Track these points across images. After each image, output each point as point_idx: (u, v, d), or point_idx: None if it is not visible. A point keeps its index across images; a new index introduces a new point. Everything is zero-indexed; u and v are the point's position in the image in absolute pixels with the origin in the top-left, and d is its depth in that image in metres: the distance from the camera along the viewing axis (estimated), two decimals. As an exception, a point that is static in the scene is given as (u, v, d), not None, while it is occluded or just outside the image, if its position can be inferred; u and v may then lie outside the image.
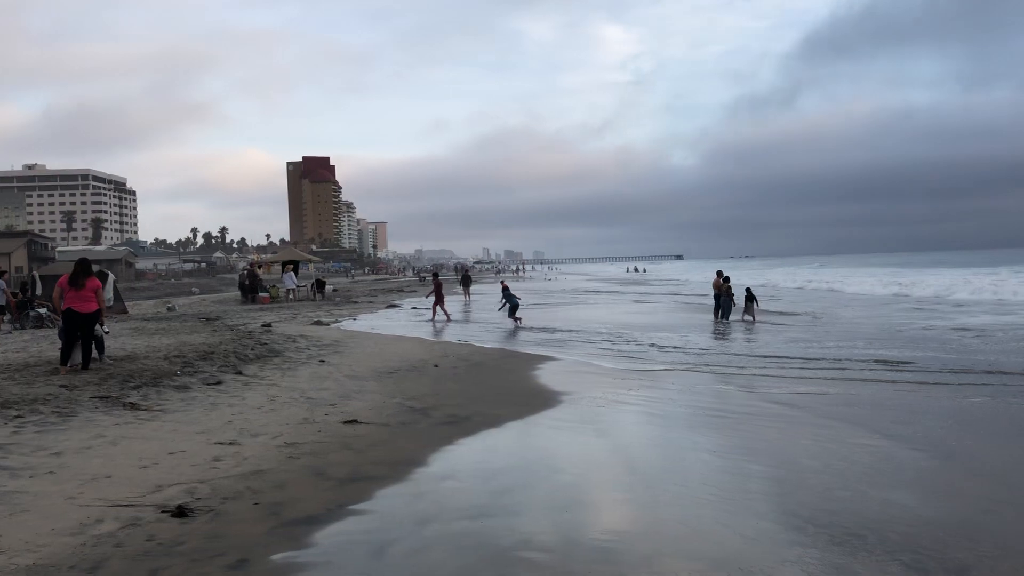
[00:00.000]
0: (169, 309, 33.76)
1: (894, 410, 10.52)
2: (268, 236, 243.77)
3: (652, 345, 18.99)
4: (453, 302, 40.91)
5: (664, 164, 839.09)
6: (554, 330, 23.68)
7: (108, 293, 32.03)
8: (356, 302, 39.52)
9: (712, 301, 29.26)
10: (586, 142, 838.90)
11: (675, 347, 18.49)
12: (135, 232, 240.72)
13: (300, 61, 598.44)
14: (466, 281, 45.37)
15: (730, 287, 28.25)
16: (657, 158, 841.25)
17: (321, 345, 17.79)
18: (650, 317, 30.22)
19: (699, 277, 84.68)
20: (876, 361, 15.26)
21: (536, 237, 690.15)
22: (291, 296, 39.80)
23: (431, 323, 26.81)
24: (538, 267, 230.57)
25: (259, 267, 43.99)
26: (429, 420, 9.92)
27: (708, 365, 15.38)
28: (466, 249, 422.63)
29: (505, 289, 27.33)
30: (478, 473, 7.60)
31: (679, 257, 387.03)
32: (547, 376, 14.02)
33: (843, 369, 14.46)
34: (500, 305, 26.74)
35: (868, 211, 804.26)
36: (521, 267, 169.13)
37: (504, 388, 12.77)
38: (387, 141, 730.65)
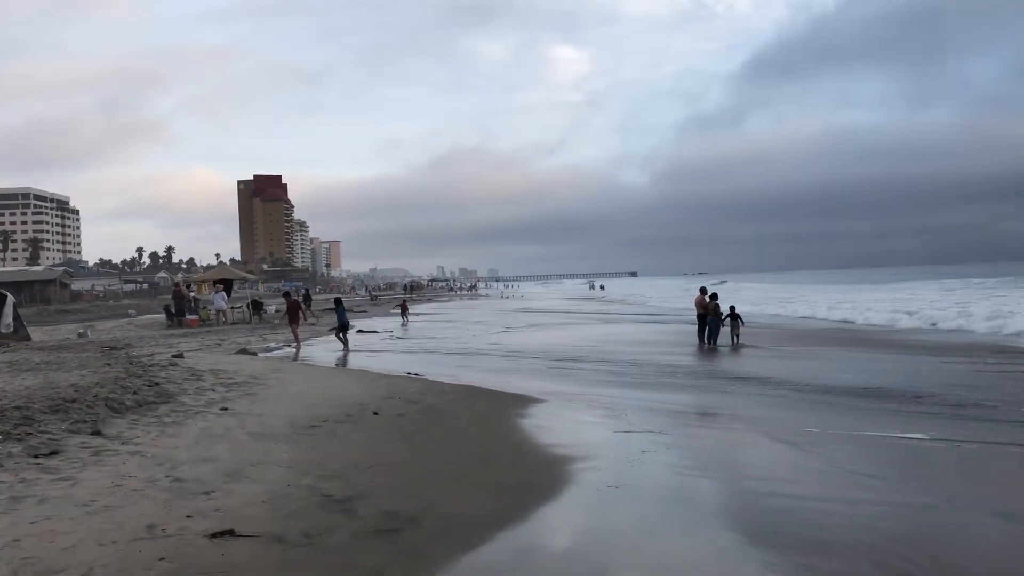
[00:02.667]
0: (80, 335, 29.55)
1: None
2: (218, 256, 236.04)
3: (652, 379, 15.52)
4: (390, 322, 37.36)
5: (616, 183, 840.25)
6: (526, 356, 20.13)
7: (7, 319, 27.87)
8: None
9: (696, 321, 26.03)
10: (540, 161, 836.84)
11: (687, 375, 15.00)
12: (78, 252, 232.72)
13: (251, 79, 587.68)
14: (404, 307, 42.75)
15: (717, 305, 24.96)
16: (609, 177, 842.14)
17: (232, 384, 13.98)
18: (630, 338, 26.78)
19: (658, 293, 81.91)
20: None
21: (490, 255, 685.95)
22: (223, 318, 35.68)
23: (345, 353, 23.04)
24: (493, 284, 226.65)
25: (188, 287, 39.77)
26: (352, 527, 6.20)
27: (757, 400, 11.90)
28: (421, 267, 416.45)
29: (338, 304, 24.88)
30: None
31: (633, 274, 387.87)
32: (532, 429, 10.39)
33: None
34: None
35: (815, 228, 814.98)
36: (475, 284, 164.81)
37: (471, 453, 9.11)
38: (340, 160, 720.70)
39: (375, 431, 10.21)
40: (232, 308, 39.10)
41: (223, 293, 38.53)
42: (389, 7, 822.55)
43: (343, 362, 20.22)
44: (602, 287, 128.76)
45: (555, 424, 10.81)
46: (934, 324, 29.81)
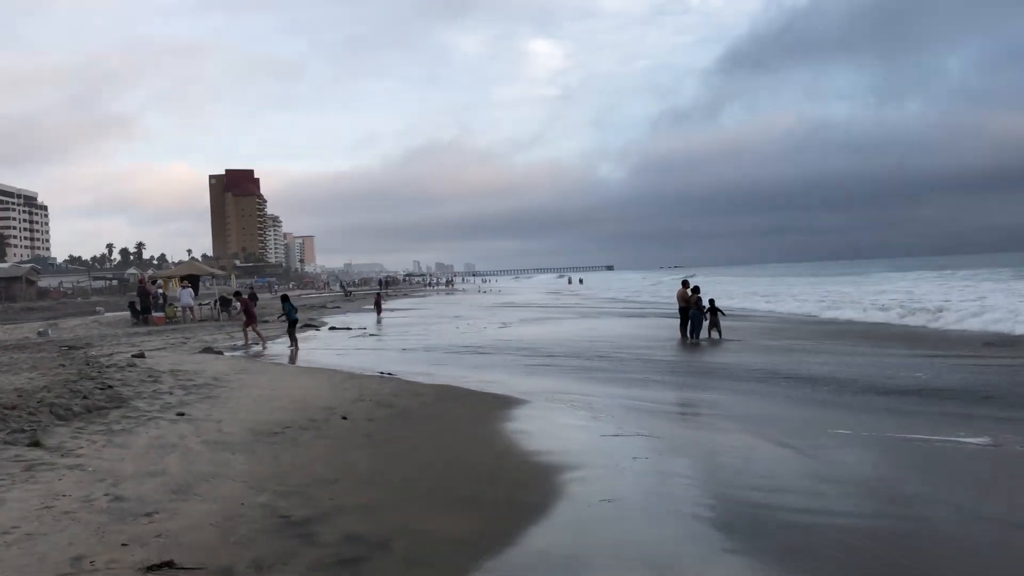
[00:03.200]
0: (40, 334, 28.42)
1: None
2: (190, 251, 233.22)
3: (637, 376, 14.84)
4: (364, 319, 36.45)
5: (592, 177, 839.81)
6: (505, 351, 19.39)
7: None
8: (266, 321, 34.46)
9: (678, 315, 25.42)
10: (516, 155, 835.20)
11: (669, 370, 14.33)
12: (47, 248, 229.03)
13: (224, 73, 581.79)
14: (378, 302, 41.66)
15: (699, 298, 24.34)
16: (585, 171, 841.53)
17: (192, 386, 13.13)
18: (611, 333, 26.10)
19: (634, 287, 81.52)
20: None
21: (467, 249, 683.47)
22: (191, 315, 34.62)
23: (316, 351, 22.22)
24: (470, 279, 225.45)
25: (154, 283, 38.62)
26: (310, 555, 5.40)
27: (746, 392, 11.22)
28: (397, 262, 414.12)
29: (284, 300, 24.05)
30: None
31: (609, 268, 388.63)
32: (514, 434, 9.65)
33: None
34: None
35: (789, 221, 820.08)
36: (451, 279, 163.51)
37: (449, 463, 8.34)
38: (315, 154, 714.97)
39: (343, 438, 9.42)
40: (200, 305, 38.03)
41: (190, 289, 37.49)
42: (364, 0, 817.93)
43: (293, 359, 19.44)
44: (581, 280, 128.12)
45: (538, 428, 10.07)
46: (903, 316, 29.26)
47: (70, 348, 21.18)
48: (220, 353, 19.93)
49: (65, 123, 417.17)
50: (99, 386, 12.30)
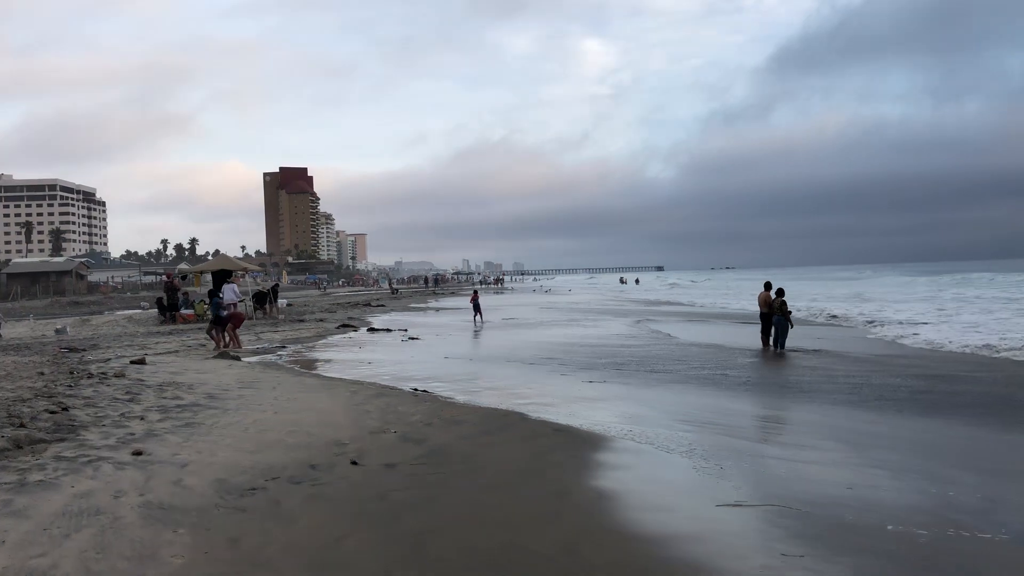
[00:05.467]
0: (57, 332, 26.23)
1: None
2: (243, 247, 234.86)
3: (728, 400, 11.81)
4: (409, 318, 33.46)
5: (641, 176, 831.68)
6: (570, 363, 16.44)
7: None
8: (302, 320, 31.94)
9: (759, 321, 22.28)
10: (565, 155, 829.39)
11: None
12: (104, 243, 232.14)
13: (279, 72, 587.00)
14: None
15: (784, 302, 21.16)
16: (634, 170, 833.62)
17: (175, 407, 10.42)
18: (682, 339, 22.99)
19: (693, 288, 78.04)
20: None
21: (515, 248, 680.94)
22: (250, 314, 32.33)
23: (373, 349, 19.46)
24: (519, 278, 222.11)
25: (183, 278, 36.40)
26: None
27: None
28: (446, 260, 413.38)
29: (211, 296, 22.29)
30: None
31: (659, 268, 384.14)
32: (592, 497, 6.69)
33: None
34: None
35: (841, 223, 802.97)
36: (500, 278, 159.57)
37: (500, 552, 5.41)
38: (367, 153, 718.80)
39: (345, 502, 6.56)
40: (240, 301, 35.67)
41: (234, 285, 34.97)
42: (416, 0, 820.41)
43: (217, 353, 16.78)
44: (637, 281, 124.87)
45: (623, 485, 7.10)
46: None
47: (71, 350, 18.76)
48: (236, 359, 17.30)
49: (125, 121, 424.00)
50: (51, 408, 9.64)
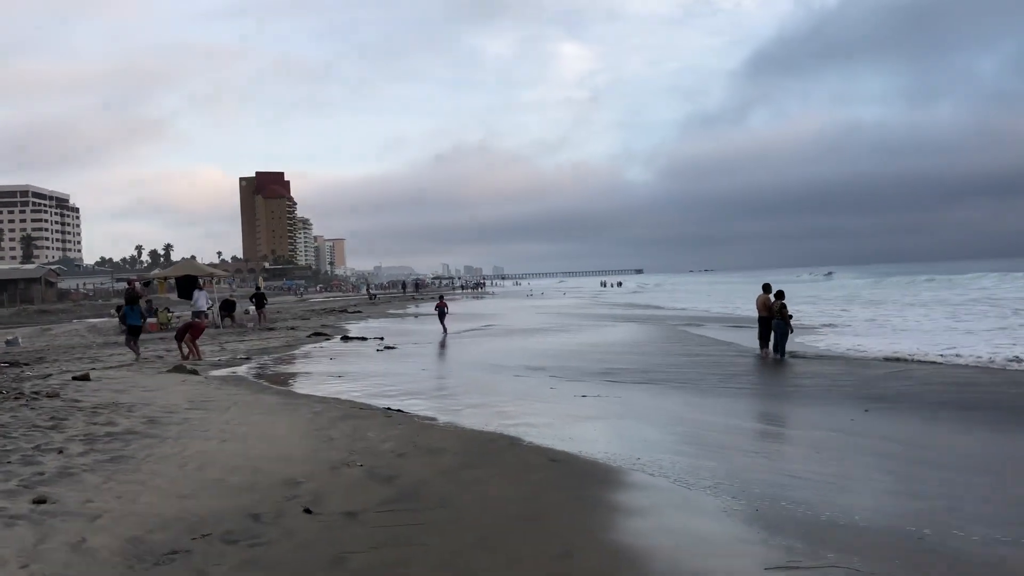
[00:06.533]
0: (9, 343, 24.52)
1: None
2: (220, 253, 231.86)
3: (742, 416, 10.46)
4: (387, 325, 31.62)
5: (620, 180, 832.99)
6: (547, 368, 15.00)
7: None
8: (272, 328, 30.30)
9: (757, 325, 21.00)
10: (543, 158, 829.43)
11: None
12: (79, 250, 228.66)
13: (256, 77, 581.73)
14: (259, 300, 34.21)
15: (784, 305, 19.89)
16: (613, 174, 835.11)
17: (105, 435, 8.88)
18: (677, 345, 21.63)
19: (674, 292, 77.32)
20: None
21: (495, 253, 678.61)
22: (228, 323, 30.66)
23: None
24: (499, 282, 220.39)
25: (146, 285, 34.62)
26: None
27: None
28: (426, 265, 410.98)
29: (128, 302, 19.98)
30: None
31: (639, 271, 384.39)
32: (604, 552, 5.25)
33: None
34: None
35: (818, 225, 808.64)
36: (481, 282, 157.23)
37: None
38: (345, 158, 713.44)
39: (289, 571, 5.09)
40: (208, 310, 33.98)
41: (205, 292, 33.25)
42: (394, 3, 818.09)
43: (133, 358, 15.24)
44: (619, 284, 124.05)
45: (639, 539, 5.66)
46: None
47: (10, 364, 17.12)
48: (194, 373, 15.74)
49: (99, 127, 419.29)
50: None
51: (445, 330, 27.90)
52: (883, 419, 10.68)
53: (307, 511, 6.23)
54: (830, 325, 28.84)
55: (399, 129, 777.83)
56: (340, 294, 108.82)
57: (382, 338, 25.21)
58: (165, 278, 34.53)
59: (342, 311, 46.80)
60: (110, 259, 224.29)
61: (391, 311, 48.24)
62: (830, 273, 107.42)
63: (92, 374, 14.61)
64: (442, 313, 28.97)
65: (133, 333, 19.17)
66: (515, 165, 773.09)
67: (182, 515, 6.10)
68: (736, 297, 57.55)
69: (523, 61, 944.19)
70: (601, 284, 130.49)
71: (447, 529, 5.86)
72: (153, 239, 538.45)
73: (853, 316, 33.55)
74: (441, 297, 31.27)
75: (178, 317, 30.54)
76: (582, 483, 7.14)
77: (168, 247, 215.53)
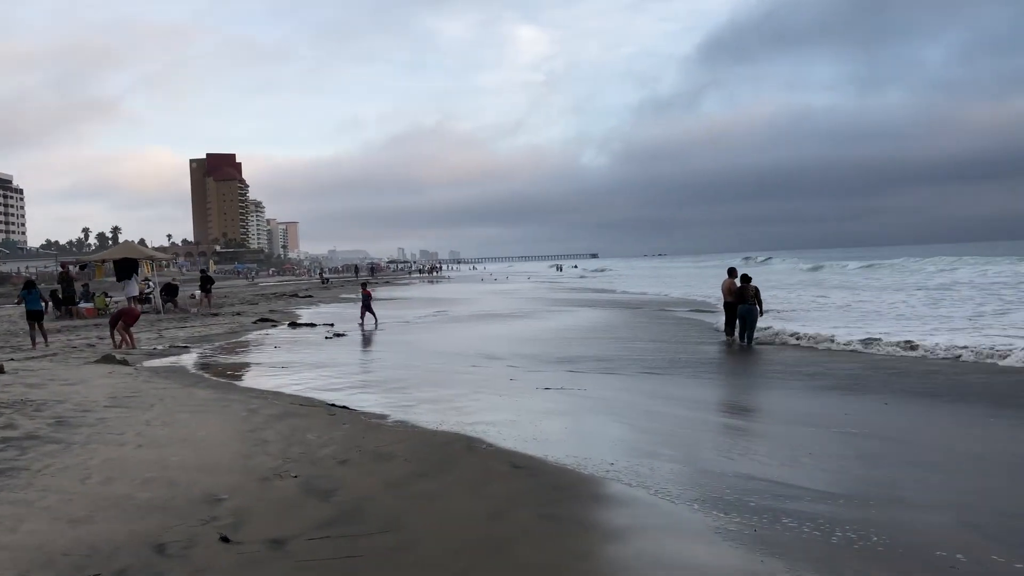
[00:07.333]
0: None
1: None
2: (170, 236, 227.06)
3: (725, 410, 9.59)
4: (339, 310, 30.22)
5: (575, 164, 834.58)
6: (535, 360, 14.02)
7: None
8: (217, 314, 28.88)
9: (724, 311, 20.29)
10: (499, 141, 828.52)
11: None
12: (23, 232, 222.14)
13: (209, 57, 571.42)
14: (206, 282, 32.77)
15: (758, 290, 19.19)
16: (568, 158, 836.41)
17: (1, 439, 7.74)
18: (640, 331, 20.80)
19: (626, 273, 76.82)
20: None
21: (451, 237, 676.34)
22: (171, 307, 29.14)
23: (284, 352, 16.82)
24: (455, 266, 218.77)
25: (81, 268, 33.01)
26: None
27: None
28: (381, 249, 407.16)
29: (27, 288, 19.36)
30: None
31: (594, 256, 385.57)
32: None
33: None
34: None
35: (770, 209, 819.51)
36: (437, 266, 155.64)
37: None
38: (298, 140, 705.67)
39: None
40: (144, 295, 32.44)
41: (135, 278, 31.76)
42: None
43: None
44: (575, 267, 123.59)
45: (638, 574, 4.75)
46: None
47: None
48: (124, 363, 14.51)
49: (44, 106, 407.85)
50: None
51: (376, 321, 24.73)
52: (877, 411, 9.90)
53: (224, 539, 5.19)
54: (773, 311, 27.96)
55: (354, 111, 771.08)
56: (292, 278, 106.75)
57: (332, 324, 24.03)
58: (103, 261, 32.87)
59: (293, 295, 45.34)
60: (56, 242, 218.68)
61: (344, 296, 46.82)
62: (769, 258, 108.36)
63: (8, 365, 13.32)
64: (367, 305, 24.63)
65: (34, 318, 17.86)
66: (471, 148, 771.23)
67: (71, 546, 5.03)
68: (693, 280, 57.19)
69: (479, 44, 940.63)
70: (557, 268, 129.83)
71: (394, 561, 4.87)
72: (101, 222, 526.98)
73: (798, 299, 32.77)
74: (364, 285, 26.49)
75: (116, 302, 28.93)
76: (551, 496, 6.19)
77: (116, 230, 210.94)
